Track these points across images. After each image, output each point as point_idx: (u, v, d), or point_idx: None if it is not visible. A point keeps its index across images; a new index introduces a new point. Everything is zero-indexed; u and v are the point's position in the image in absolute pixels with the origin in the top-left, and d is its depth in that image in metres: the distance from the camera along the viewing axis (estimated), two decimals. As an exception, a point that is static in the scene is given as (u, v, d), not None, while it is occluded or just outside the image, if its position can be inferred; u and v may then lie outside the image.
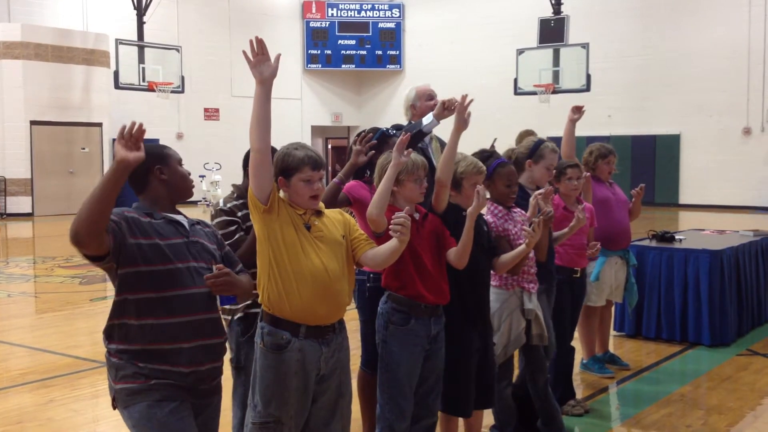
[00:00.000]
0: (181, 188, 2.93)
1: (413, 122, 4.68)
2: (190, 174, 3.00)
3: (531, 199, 4.20)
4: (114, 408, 2.81)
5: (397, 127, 4.90)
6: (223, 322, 3.23)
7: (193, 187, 3.00)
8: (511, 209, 4.18)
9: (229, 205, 3.64)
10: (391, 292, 3.62)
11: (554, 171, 4.81)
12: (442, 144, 4.82)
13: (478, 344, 3.85)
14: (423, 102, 4.85)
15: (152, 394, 2.71)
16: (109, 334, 2.78)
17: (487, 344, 3.93)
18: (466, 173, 3.80)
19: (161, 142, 3.20)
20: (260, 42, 2.91)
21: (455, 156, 3.71)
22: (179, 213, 2.93)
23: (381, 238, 3.30)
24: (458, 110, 3.67)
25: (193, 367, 2.77)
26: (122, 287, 2.72)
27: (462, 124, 3.67)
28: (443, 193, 3.71)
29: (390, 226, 3.04)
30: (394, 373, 3.57)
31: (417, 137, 4.22)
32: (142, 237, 2.72)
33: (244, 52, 2.94)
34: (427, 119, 4.34)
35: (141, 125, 2.53)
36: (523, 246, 3.84)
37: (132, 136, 2.51)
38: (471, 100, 3.66)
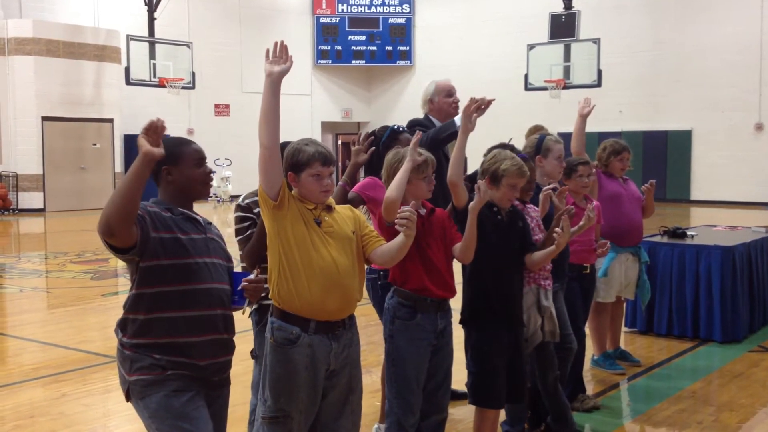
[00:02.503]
0: (187, 190, 2.89)
1: (441, 124, 4.62)
2: (211, 172, 2.97)
3: (540, 195, 4.20)
4: (127, 400, 2.84)
5: (416, 122, 4.87)
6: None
7: (210, 187, 2.98)
8: (527, 204, 4.18)
9: (246, 201, 3.70)
10: (397, 287, 3.63)
11: (565, 167, 4.79)
12: None
13: (507, 340, 3.87)
14: (441, 98, 4.76)
15: (168, 384, 2.74)
16: (124, 327, 2.81)
17: (519, 341, 3.95)
18: (507, 172, 3.80)
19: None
20: (284, 48, 2.94)
21: (463, 157, 3.73)
22: (194, 212, 2.94)
23: (390, 229, 3.31)
24: (464, 113, 3.69)
25: (208, 360, 2.81)
26: (142, 281, 2.75)
27: (469, 127, 3.69)
28: (458, 191, 3.73)
29: (396, 221, 3.05)
30: (401, 368, 3.58)
31: (450, 138, 4.17)
32: (164, 231, 2.75)
33: (268, 51, 2.94)
34: (459, 119, 4.28)
35: (163, 122, 2.57)
36: (553, 246, 3.85)
37: (155, 133, 2.56)
38: (480, 104, 3.67)
